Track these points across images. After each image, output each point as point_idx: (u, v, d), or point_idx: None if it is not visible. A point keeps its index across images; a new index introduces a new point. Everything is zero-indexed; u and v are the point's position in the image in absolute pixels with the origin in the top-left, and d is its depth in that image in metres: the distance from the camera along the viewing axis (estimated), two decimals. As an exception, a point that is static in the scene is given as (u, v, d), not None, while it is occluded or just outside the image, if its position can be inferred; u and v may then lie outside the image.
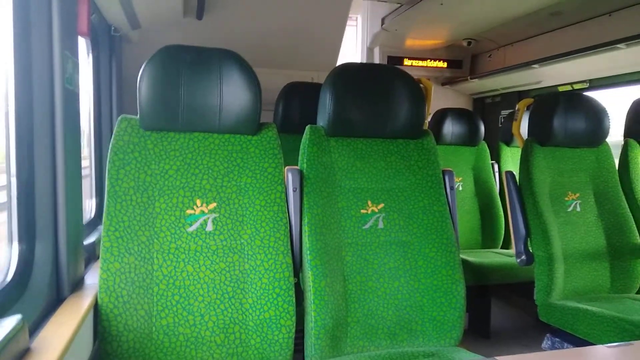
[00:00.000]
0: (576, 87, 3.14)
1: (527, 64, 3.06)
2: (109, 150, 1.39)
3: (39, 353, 0.92)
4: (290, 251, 1.48)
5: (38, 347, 0.95)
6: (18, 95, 1.13)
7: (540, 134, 2.27)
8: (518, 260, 2.22)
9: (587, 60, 2.69)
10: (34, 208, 1.18)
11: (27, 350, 0.93)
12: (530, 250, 2.19)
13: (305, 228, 1.52)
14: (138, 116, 1.43)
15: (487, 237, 3.30)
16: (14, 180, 1.14)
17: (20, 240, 1.14)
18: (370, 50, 3.81)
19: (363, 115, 1.66)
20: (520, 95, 3.67)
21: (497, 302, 3.48)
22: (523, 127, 2.93)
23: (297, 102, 2.64)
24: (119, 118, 1.43)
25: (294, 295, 1.45)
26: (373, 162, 1.69)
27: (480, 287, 2.83)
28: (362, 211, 1.64)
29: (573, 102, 2.23)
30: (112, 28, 2.32)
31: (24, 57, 1.15)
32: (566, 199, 2.27)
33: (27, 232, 1.16)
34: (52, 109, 1.20)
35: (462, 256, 2.82)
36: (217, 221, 1.46)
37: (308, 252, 1.50)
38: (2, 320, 0.90)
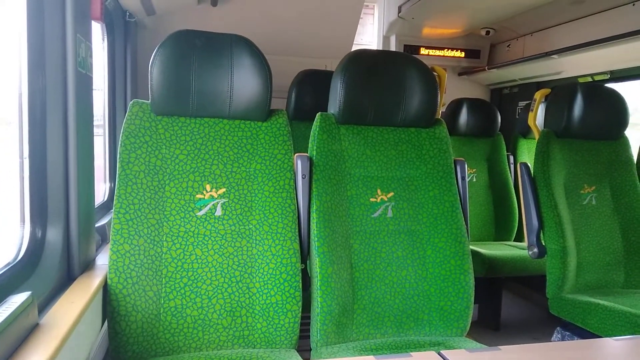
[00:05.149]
0: (597, 78, 3.07)
1: (546, 54, 3.00)
2: (121, 134, 1.41)
3: (48, 328, 0.95)
4: (297, 237, 1.49)
5: (47, 323, 0.97)
6: (31, 78, 1.15)
7: (557, 125, 2.23)
8: (530, 252, 2.20)
9: (609, 51, 2.62)
10: (46, 190, 1.21)
11: (36, 326, 0.95)
12: (543, 243, 2.17)
13: (314, 215, 1.53)
14: (150, 101, 1.44)
15: (501, 229, 3.27)
16: (26, 162, 1.16)
17: (32, 221, 1.17)
18: (386, 39, 3.77)
19: (374, 103, 1.65)
20: (539, 86, 3.60)
21: (508, 294, 3.46)
22: (539, 118, 2.89)
23: (310, 90, 2.64)
24: (131, 102, 1.45)
25: (300, 281, 1.46)
26: (383, 151, 1.68)
27: (491, 279, 2.81)
28: (372, 199, 1.64)
29: (591, 93, 2.18)
30: (127, 14, 2.34)
31: (37, 40, 1.16)
32: (582, 191, 2.23)
33: (39, 213, 1.19)
34: (64, 92, 1.22)
35: (474, 248, 2.80)
36: (226, 206, 1.47)
37: (316, 239, 1.50)
38: (12, 297, 0.93)
